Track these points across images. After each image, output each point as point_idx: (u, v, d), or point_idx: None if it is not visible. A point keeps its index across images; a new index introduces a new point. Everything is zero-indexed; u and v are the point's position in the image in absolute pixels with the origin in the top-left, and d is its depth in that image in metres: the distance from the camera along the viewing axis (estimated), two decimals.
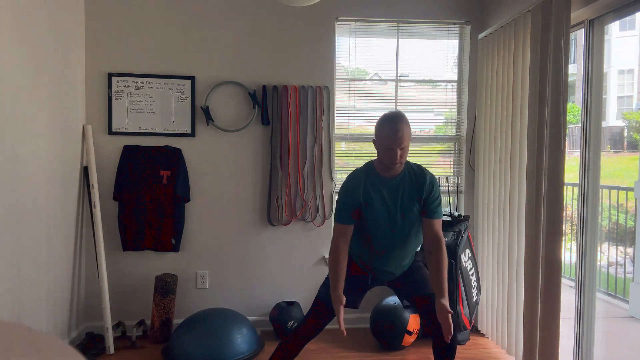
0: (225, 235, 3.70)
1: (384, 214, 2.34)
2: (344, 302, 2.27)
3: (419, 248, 2.54)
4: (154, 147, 3.57)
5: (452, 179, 3.91)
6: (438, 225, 2.37)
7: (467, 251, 3.50)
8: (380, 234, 2.37)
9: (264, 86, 3.63)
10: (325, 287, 2.41)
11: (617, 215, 4.85)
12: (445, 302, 2.23)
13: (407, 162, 2.40)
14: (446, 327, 2.20)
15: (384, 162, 2.31)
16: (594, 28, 2.73)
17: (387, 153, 2.26)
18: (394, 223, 2.35)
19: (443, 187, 3.84)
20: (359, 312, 3.71)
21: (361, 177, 2.38)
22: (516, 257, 3.10)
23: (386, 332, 3.36)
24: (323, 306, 2.40)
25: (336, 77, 3.76)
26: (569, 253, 4.76)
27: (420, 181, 2.35)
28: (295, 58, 3.70)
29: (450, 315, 2.20)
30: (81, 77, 3.47)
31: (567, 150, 2.72)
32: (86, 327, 3.53)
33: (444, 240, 2.37)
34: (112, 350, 3.25)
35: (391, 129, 2.24)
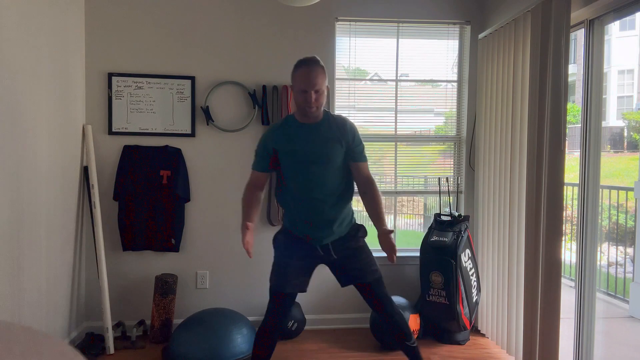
0: (225, 235, 3.69)
1: (302, 159, 2.36)
2: (250, 227, 2.36)
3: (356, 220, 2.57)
4: (154, 147, 3.57)
5: (452, 179, 3.91)
6: (365, 167, 2.50)
7: (467, 251, 3.50)
8: (302, 180, 2.38)
9: (264, 86, 3.63)
10: (272, 275, 2.49)
11: (617, 215, 4.85)
12: (386, 227, 2.37)
13: (327, 111, 2.45)
14: (389, 248, 2.34)
15: (300, 107, 2.35)
16: (594, 28, 2.73)
17: (302, 96, 2.29)
18: (313, 167, 2.36)
19: (443, 187, 3.83)
20: (359, 312, 3.71)
21: (277, 126, 2.47)
22: (516, 257, 3.10)
23: (386, 332, 3.36)
24: (279, 294, 2.44)
25: (336, 77, 3.75)
26: (569, 253, 4.77)
27: (340, 126, 2.41)
28: (295, 58, 3.62)
29: (391, 235, 2.34)
30: (81, 77, 3.47)
31: (567, 150, 2.72)
32: (86, 327, 3.53)
33: (374, 180, 2.49)
34: (112, 350, 3.25)
35: (305, 71, 2.29)
